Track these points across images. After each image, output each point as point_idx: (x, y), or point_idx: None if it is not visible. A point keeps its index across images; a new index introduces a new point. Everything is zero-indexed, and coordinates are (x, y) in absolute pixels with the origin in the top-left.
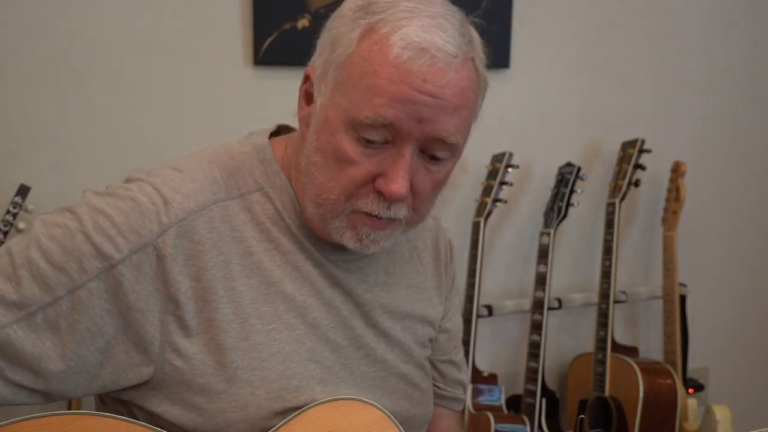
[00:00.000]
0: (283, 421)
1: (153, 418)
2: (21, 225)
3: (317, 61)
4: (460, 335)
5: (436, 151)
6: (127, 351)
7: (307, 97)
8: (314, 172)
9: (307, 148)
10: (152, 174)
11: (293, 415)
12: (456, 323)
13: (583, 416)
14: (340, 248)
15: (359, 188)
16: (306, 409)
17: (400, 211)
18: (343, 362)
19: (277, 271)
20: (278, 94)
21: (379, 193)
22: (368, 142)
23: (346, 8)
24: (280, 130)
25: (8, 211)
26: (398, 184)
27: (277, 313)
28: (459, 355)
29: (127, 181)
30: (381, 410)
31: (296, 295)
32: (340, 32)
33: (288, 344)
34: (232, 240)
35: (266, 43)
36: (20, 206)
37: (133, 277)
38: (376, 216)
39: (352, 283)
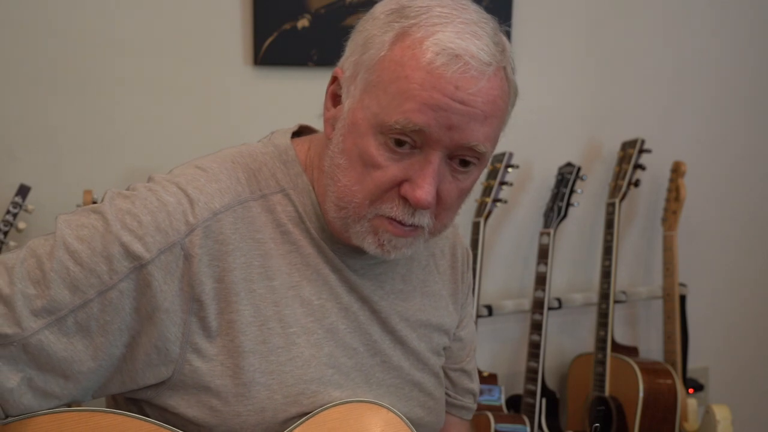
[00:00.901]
0: (295, 424)
1: (168, 417)
2: (21, 225)
3: (346, 62)
4: (473, 344)
5: (465, 157)
6: (147, 352)
7: (334, 99)
8: (338, 174)
9: (332, 150)
10: (175, 173)
11: (306, 417)
12: (470, 332)
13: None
14: (359, 253)
15: (384, 193)
16: (319, 412)
17: (424, 218)
18: (359, 368)
19: (296, 274)
20: (278, 94)
21: (404, 199)
22: (397, 146)
23: (378, 11)
24: (302, 131)
25: (8, 211)
26: (424, 191)
27: (295, 317)
28: (471, 364)
29: (149, 180)
30: (395, 413)
31: (314, 299)
32: (372, 34)
33: (306, 348)
34: (254, 241)
35: (266, 43)
36: (20, 206)
37: (161, 277)
38: (399, 222)
39: (368, 290)
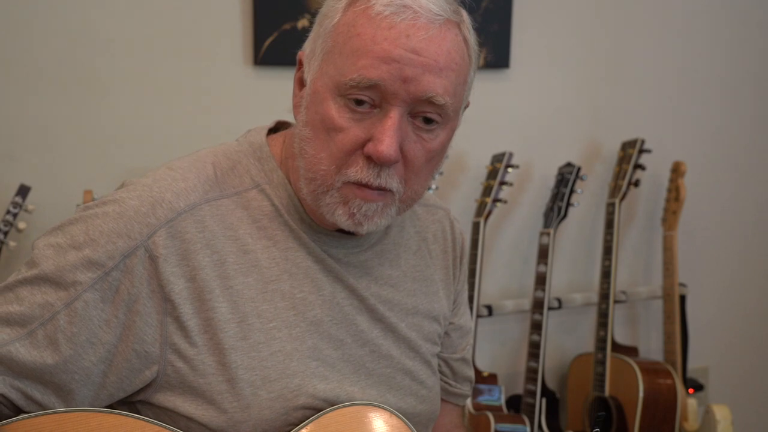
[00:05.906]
0: (298, 427)
1: (164, 415)
2: (21, 225)
3: (307, 43)
4: (471, 332)
5: (426, 114)
6: (128, 359)
7: (301, 84)
8: (305, 147)
9: (298, 127)
10: (146, 175)
11: (308, 421)
12: (467, 319)
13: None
14: (342, 242)
15: (349, 156)
16: (321, 415)
17: (392, 180)
18: (347, 359)
19: (275, 268)
20: (278, 94)
21: (369, 159)
22: (356, 105)
23: None
24: (279, 127)
25: (8, 211)
26: (386, 144)
27: (276, 312)
28: (469, 352)
29: (122, 185)
30: (398, 416)
31: (295, 292)
32: (327, 7)
33: (288, 342)
34: (226, 239)
35: (266, 43)
36: (20, 206)
37: (128, 281)
38: (366, 185)
39: (353, 278)
